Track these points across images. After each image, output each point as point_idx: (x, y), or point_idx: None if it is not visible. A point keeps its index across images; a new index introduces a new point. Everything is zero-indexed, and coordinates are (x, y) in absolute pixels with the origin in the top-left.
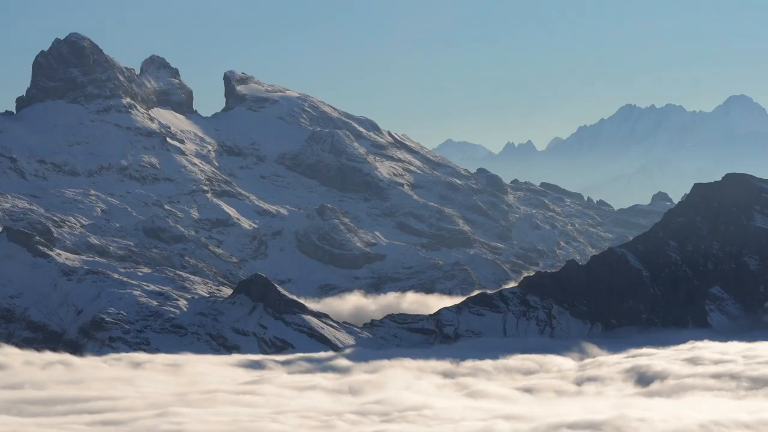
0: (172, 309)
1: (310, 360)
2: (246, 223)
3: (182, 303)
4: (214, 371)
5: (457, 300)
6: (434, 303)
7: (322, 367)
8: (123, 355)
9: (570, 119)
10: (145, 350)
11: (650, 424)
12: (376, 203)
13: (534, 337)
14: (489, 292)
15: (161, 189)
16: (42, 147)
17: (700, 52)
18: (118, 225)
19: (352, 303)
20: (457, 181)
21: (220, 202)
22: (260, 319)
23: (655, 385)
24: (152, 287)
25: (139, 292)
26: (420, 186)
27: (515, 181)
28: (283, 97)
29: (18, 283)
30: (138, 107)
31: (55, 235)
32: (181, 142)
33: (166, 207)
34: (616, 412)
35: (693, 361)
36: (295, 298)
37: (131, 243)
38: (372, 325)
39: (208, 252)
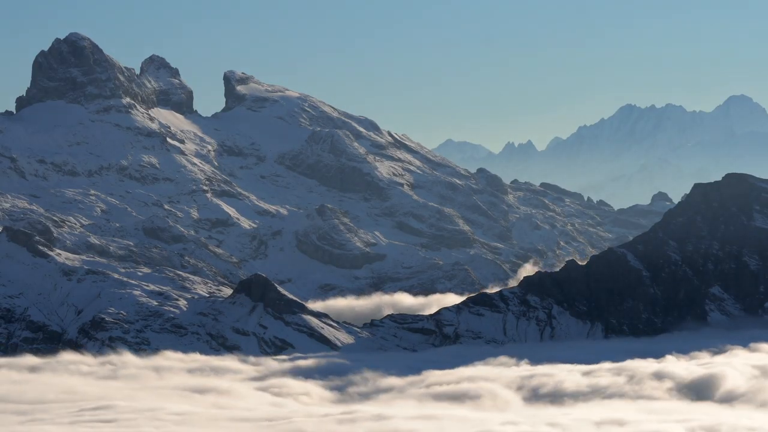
0: (172, 309)
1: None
2: (246, 223)
3: (182, 303)
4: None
5: (457, 300)
6: (434, 303)
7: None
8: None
9: (570, 119)
10: (145, 350)
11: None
12: (376, 203)
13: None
14: (489, 292)
15: (161, 189)
16: (42, 147)
17: (700, 52)
18: (118, 225)
19: (352, 303)
20: (457, 181)
21: (220, 202)
22: (260, 319)
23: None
24: (152, 287)
25: (139, 292)
26: (420, 186)
27: (515, 181)
28: (283, 97)
29: (18, 283)
30: (138, 107)
31: (55, 235)
32: (181, 142)
33: (166, 207)
34: None
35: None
36: (295, 298)
37: (131, 243)
38: (372, 325)
39: (208, 252)
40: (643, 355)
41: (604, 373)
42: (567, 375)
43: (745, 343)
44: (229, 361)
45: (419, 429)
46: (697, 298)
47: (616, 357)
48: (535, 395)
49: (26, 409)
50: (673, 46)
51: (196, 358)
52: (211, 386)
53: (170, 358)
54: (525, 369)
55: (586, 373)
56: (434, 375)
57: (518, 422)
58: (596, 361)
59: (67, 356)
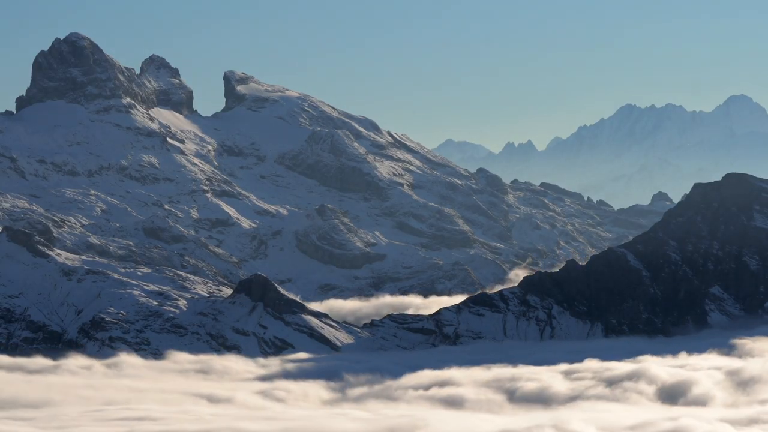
0: (172, 309)
1: None
2: (246, 223)
3: (182, 303)
4: None
5: (457, 300)
6: (434, 303)
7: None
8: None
9: (570, 119)
10: (145, 350)
11: None
12: (376, 203)
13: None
14: (489, 292)
15: (161, 189)
16: (42, 147)
17: (700, 52)
18: (118, 225)
19: (352, 303)
20: (457, 181)
21: (220, 202)
22: (260, 319)
23: None
24: (152, 287)
25: (139, 292)
26: (420, 186)
27: (515, 181)
28: (283, 97)
29: (18, 283)
30: (138, 107)
31: (55, 235)
32: (181, 142)
33: (166, 207)
34: None
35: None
36: (295, 298)
37: (131, 243)
38: (372, 325)
39: (208, 252)
40: (633, 356)
41: (585, 374)
42: (551, 377)
43: (739, 345)
44: (231, 362)
45: (454, 428)
46: (697, 298)
47: (604, 357)
48: (525, 398)
49: (36, 411)
50: (673, 46)
51: (200, 359)
52: (217, 386)
53: (173, 358)
54: (521, 371)
55: (567, 375)
56: (425, 376)
57: (539, 424)
58: (581, 361)
59: (72, 359)
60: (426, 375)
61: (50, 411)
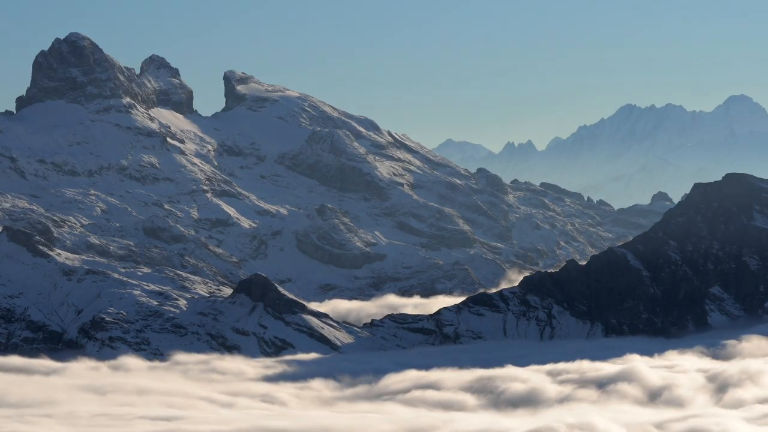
0: (172, 309)
1: None
2: (246, 223)
3: (182, 303)
4: None
5: (457, 300)
6: (434, 303)
7: None
8: None
9: (570, 119)
10: (145, 350)
11: None
12: (376, 203)
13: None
14: (489, 292)
15: (161, 189)
16: (42, 147)
17: (700, 52)
18: (118, 225)
19: (352, 303)
20: (457, 181)
21: (220, 202)
22: (260, 319)
23: None
24: (152, 287)
25: (139, 292)
26: (420, 186)
27: (515, 181)
28: (283, 97)
29: (18, 283)
30: (138, 107)
31: (55, 235)
32: (181, 141)
33: (166, 207)
34: None
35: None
36: (295, 298)
37: (131, 243)
38: (372, 325)
39: (208, 252)
40: (626, 357)
41: (572, 376)
42: (539, 379)
43: (729, 345)
44: (234, 362)
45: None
46: (697, 298)
47: (600, 357)
48: (516, 399)
49: (50, 409)
50: (673, 46)
51: (203, 359)
52: (223, 387)
53: (176, 359)
54: (512, 371)
55: (554, 377)
56: (424, 376)
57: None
58: (573, 362)
59: (81, 362)
60: (426, 375)
61: (64, 410)
